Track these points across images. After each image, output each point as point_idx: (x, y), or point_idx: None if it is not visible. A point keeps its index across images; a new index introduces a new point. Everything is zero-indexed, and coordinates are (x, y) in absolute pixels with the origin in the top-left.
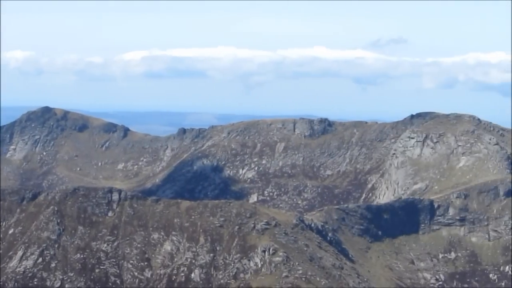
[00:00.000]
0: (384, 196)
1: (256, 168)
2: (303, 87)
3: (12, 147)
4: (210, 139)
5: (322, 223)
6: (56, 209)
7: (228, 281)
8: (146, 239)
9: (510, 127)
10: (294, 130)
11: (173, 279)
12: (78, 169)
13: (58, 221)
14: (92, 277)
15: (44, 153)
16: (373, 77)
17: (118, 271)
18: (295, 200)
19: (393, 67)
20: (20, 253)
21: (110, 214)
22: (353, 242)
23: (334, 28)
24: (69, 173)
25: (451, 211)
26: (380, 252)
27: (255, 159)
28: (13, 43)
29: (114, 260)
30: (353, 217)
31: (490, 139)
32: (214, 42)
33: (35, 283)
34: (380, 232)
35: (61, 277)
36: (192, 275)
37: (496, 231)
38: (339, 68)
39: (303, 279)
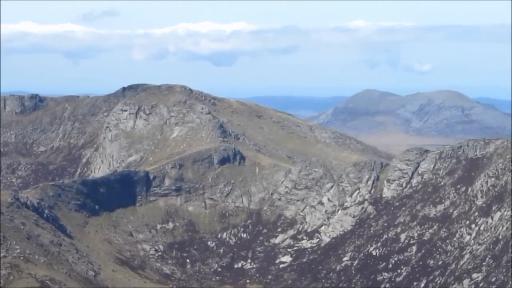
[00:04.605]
0: (100, 170)
1: None
2: (12, 63)
3: None
4: None
5: (38, 201)
6: None
7: None
8: None
9: (222, 96)
10: (5, 108)
11: None
12: None
13: None
14: None
15: None
16: (84, 51)
17: None
18: (9, 178)
19: (104, 40)
20: None
21: None
22: (71, 217)
23: (43, 2)
24: None
25: (167, 182)
26: (98, 226)
27: None
28: None
29: None
30: (69, 192)
31: (202, 109)
32: None
33: None
34: (97, 206)
35: None
36: None
37: (212, 199)
38: (49, 43)
39: (22, 258)
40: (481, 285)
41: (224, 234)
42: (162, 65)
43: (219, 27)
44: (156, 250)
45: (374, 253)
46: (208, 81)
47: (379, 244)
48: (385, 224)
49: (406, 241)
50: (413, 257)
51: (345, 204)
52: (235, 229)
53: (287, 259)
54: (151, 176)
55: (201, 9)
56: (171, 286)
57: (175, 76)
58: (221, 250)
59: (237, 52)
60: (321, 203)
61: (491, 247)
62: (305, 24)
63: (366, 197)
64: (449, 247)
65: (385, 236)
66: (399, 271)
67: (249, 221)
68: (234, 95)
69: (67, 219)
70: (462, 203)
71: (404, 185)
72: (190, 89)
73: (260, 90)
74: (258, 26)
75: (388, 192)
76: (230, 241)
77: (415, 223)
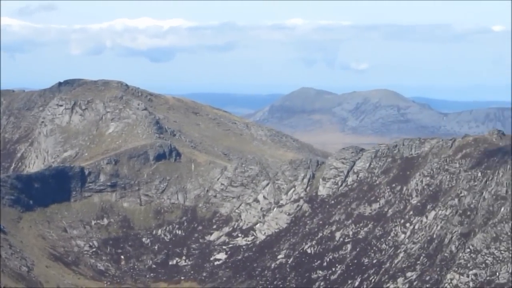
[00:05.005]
0: (34, 165)
1: None
2: None
3: None
4: None
5: None
6: None
7: None
8: None
9: (158, 92)
10: None
11: None
12: None
13: None
14: None
15: None
16: (21, 45)
17: None
18: None
19: (41, 34)
20: None
21: None
22: (4, 212)
23: None
24: None
25: (102, 177)
26: (32, 222)
27: None
28: None
29: None
30: (3, 187)
31: (138, 105)
32: None
33: None
34: (31, 202)
35: None
36: None
37: (147, 195)
38: None
39: None
40: (415, 283)
41: (159, 230)
42: (99, 60)
43: (157, 23)
44: (90, 246)
45: (309, 251)
46: (145, 77)
47: (314, 242)
48: (320, 222)
49: (341, 239)
50: (348, 256)
51: (281, 201)
52: (170, 226)
53: (222, 256)
54: (86, 172)
55: (139, 5)
56: (105, 282)
57: (112, 71)
58: (156, 247)
59: (175, 49)
60: (256, 200)
61: (425, 246)
62: (243, 22)
63: (302, 195)
64: (383, 246)
65: (320, 234)
66: (333, 269)
67: (184, 218)
68: (171, 92)
69: (0, 214)
70: (397, 202)
71: (339, 183)
72: (126, 85)
73: (197, 87)
74: (196, 23)
75: (323, 190)
76: (165, 237)
77: (350, 221)
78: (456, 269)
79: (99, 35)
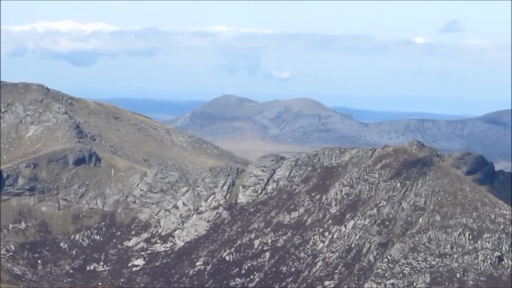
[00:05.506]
0: None
1: None
2: None
3: None
4: None
5: None
6: None
7: None
8: None
9: (79, 96)
10: None
11: None
12: None
13: None
14: None
15: None
16: None
17: None
18: None
19: None
20: None
21: None
22: None
23: None
24: None
25: (20, 181)
26: None
27: None
28: None
29: None
30: None
31: (59, 108)
32: None
33: None
34: None
35: None
36: None
37: (66, 199)
38: None
39: None
40: None
41: (77, 235)
42: (20, 63)
43: (79, 26)
44: (7, 250)
45: (227, 258)
46: (66, 81)
47: (232, 249)
48: (239, 229)
49: (260, 247)
50: (266, 263)
51: (200, 208)
52: (89, 231)
53: (140, 262)
54: (5, 175)
55: (61, 8)
56: (21, 287)
57: (33, 74)
58: (74, 252)
59: (97, 53)
60: (176, 207)
61: (343, 255)
62: (166, 27)
63: (221, 202)
64: (302, 254)
65: (239, 242)
66: (252, 276)
67: (103, 223)
68: (92, 96)
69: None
70: (316, 210)
71: (259, 191)
72: (47, 88)
73: (118, 92)
74: (119, 27)
75: (243, 198)
76: (83, 242)
77: (269, 229)
78: (374, 278)
79: (21, 37)
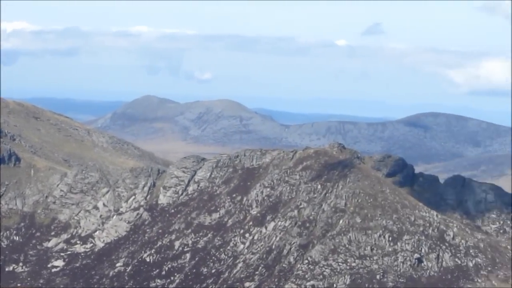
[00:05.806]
0: None
1: None
2: None
3: None
4: None
5: None
6: None
7: None
8: None
9: None
10: None
11: None
12: None
13: None
14: None
15: None
16: None
17: None
18: None
19: None
20: None
21: None
22: None
23: None
24: None
25: None
26: None
27: None
28: None
29: None
30: None
31: None
32: None
33: None
34: None
35: None
36: None
37: None
38: None
39: None
40: None
41: None
42: None
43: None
44: None
45: (148, 259)
46: None
47: (153, 250)
48: (160, 231)
49: (180, 248)
50: (187, 265)
51: (121, 209)
52: (8, 232)
53: (59, 263)
54: None
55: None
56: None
57: None
58: None
59: (18, 52)
60: (96, 207)
61: (264, 256)
62: (87, 27)
63: (142, 203)
64: (222, 256)
65: (159, 243)
66: (172, 278)
67: (22, 224)
68: (12, 95)
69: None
70: (237, 212)
71: (180, 192)
72: None
73: (39, 92)
74: (40, 27)
75: (164, 199)
76: (2, 243)
77: (189, 230)
78: (294, 280)
79: None
